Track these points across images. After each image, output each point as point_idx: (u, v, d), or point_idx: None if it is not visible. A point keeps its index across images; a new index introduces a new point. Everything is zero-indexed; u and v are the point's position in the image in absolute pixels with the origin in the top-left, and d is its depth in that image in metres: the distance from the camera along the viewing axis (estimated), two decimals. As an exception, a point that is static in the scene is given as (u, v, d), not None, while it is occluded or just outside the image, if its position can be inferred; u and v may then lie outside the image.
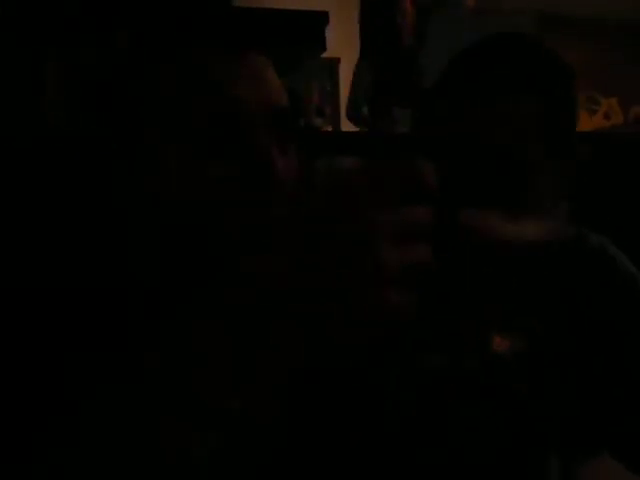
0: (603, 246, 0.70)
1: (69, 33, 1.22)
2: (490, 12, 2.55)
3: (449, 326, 0.66)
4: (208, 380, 0.33)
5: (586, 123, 5.00)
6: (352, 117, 1.99)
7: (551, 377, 0.65)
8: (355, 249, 0.31)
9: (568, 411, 0.66)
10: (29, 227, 0.74)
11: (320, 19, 1.55)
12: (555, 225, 0.61)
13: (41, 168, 0.81)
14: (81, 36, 1.21)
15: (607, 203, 1.09)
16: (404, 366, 0.66)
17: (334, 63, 1.60)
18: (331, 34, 1.54)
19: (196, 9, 0.53)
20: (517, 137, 0.61)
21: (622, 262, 0.69)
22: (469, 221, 0.39)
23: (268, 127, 0.49)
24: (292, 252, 0.33)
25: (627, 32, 4.99)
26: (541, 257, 0.67)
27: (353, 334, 0.33)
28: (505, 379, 0.64)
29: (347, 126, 2.09)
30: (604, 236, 0.71)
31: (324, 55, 1.69)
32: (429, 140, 0.67)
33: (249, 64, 0.49)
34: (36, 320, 0.46)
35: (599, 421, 0.67)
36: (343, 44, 2.33)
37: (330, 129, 1.77)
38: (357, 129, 1.97)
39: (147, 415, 0.34)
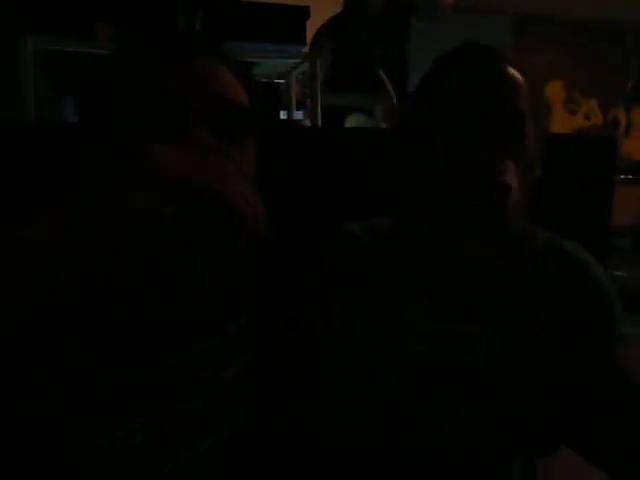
0: (576, 249, 0.73)
1: (51, 24, 1.24)
2: (468, 11, 2.60)
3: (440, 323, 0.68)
4: None
5: (568, 123, 5.08)
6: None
7: (532, 373, 0.67)
8: None
9: (542, 407, 0.67)
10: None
11: (301, 13, 1.58)
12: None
13: (23, 157, 0.84)
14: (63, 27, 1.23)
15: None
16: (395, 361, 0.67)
17: (314, 56, 1.64)
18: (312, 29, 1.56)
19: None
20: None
21: (593, 265, 0.72)
22: None
23: (205, 117, 0.55)
24: None
25: (605, 35, 5.06)
26: (523, 255, 0.70)
27: None
28: (492, 375, 0.66)
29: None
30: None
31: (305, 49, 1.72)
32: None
33: (198, 70, 0.57)
34: None
35: (566, 415, 0.68)
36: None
37: (309, 122, 1.81)
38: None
39: None
